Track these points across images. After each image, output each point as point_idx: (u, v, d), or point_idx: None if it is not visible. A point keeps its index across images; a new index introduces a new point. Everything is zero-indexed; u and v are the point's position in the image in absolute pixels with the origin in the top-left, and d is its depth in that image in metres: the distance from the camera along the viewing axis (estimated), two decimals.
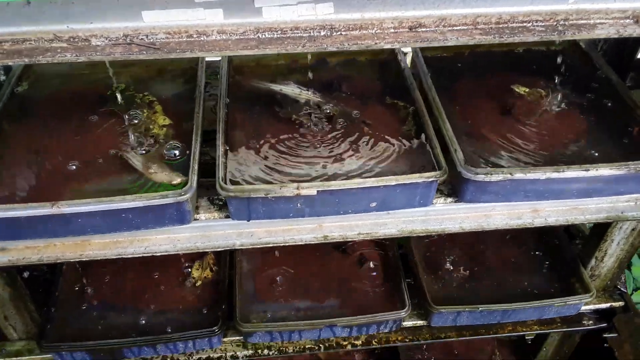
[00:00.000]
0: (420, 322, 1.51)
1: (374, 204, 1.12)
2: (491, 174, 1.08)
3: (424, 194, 1.12)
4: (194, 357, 1.48)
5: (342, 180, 1.07)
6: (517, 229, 1.27)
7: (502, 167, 1.13)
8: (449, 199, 1.18)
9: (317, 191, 1.05)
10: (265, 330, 1.38)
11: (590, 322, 1.58)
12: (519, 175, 1.09)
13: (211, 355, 1.49)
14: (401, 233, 1.25)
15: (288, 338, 1.43)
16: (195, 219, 1.14)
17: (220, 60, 1.47)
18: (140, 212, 1.05)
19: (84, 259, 1.19)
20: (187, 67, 1.43)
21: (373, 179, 1.06)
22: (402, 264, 1.54)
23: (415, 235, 1.26)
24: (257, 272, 1.54)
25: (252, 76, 1.42)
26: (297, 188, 1.05)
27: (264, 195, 1.05)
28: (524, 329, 1.56)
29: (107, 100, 1.32)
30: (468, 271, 1.55)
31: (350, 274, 1.55)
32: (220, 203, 1.16)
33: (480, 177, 1.08)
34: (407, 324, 1.51)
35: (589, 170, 1.09)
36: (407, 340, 1.54)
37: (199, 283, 1.50)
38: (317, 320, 1.38)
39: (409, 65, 1.46)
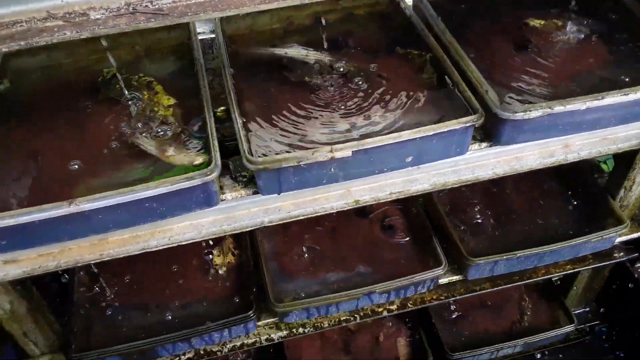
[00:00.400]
0: (455, 278, 1.47)
1: (409, 159, 1.06)
2: (530, 111, 1.02)
3: (460, 141, 1.06)
4: (227, 347, 1.42)
5: (376, 137, 1.00)
6: (543, 168, 1.23)
7: (536, 103, 1.07)
8: (484, 144, 1.13)
9: (353, 152, 0.98)
10: (302, 308, 1.32)
11: (621, 254, 1.57)
12: (558, 109, 1.03)
13: (245, 342, 1.43)
14: (434, 187, 1.20)
15: (325, 312, 1.37)
16: (223, 200, 1.06)
17: (209, 35, 1.39)
18: (164, 199, 0.97)
19: (106, 259, 1.11)
20: (177, 43, 1.33)
21: (409, 131, 1.00)
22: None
23: (448, 187, 1.21)
24: (280, 250, 1.47)
25: (250, 44, 1.33)
26: (331, 151, 0.97)
27: (295, 164, 0.98)
28: (557, 270, 1.54)
29: (99, 88, 1.22)
30: (495, 218, 1.51)
31: (377, 237, 1.49)
32: (245, 179, 1.08)
33: (519, 116, 1.02)
34: (443, 280, 1.46)
35: (628, 94, 1.04)
36: (443, 297, 1.50)
37: (223, 269, 1.43)
38: (354, 290, 1.32)
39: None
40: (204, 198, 1.00)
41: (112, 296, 1.38)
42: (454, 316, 1.80)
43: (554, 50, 1.22)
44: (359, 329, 1.80)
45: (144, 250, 1.12)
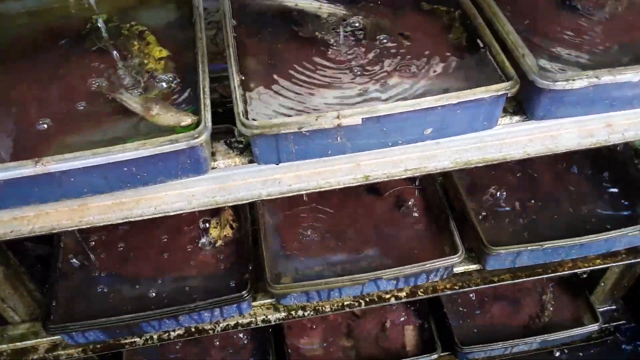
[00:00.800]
0: (472, 267, 1.34)
1: (429, 131, 0.92)
2: (574, 80, 0.87)
3: (489, 113, 0.92)
4: (220, 325, 1.31)
5: (391, 103, 0.87)
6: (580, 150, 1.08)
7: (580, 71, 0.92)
8: (515, 118, 0.98)
9: (363, 119, 0.85)
10: (300, 291, 1.21)
11: None
12: (606, 79, 0.88)
13: (240, 321, 1.32)
14: (455, 165, 1.06)
15: (327, 296, 1.25)
16: (213, 168, 0.94)
17: None
18: (145, 163, 0.85)
19: (84, 226, 1.00)
20: None
21: (430, 98, 0.86)
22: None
23: (471, 166, 1.07)
24: (283, 225, 1.36)
25: None
26: (338, 117, 0.84)
27: (297, 130, 0.85)
28: (586, 265, 1.39)
29: (86, 36, 1.09)
30: (521, 204, 1.37)
31: (388, 218, 1.36)
32: (241, 146, 0.95)
33: (559, 85, 0.87)
34: (458, 269, 1.34)
35: None
36: (457, 287, 1.37)
37: (219, 243, 1.31)
38: (359, 274, 1.20)
39: None
40: (192, 164, 0.88)
41: (99, 266, 1.28)
42: (467, 307, 1.68)
43: (606, 11, 1.05)
44: (364, 314, 1.69)
45: (127, 219, 1.01)
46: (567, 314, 1.69)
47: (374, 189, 1.41)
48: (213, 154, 0.94)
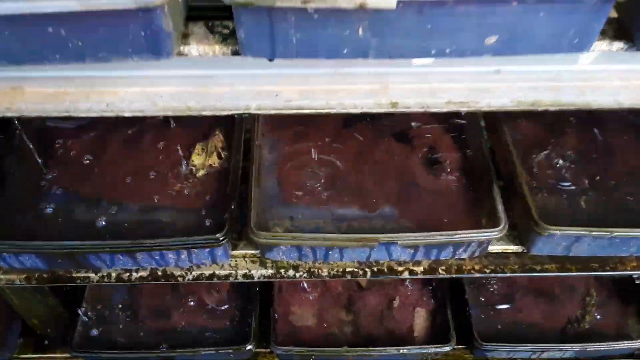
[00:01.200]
0: (511, 248, 1.06)
1: (492, 39, 0.63)
2: None
3: (584, 25, 0.62)
4: (193, 273, 1.08)
5: None
6: None
7: None
8: (617, 44, 0.68)
9: (399, 2, 0.57)
10: (290, 244, 0.96)
11: None
12: None
13: (217, 272, 1.08)
14: (517, 105, 0.78)
15: (324, 257, 1.00)
16: (182, 54, 0.67)
17: None
18: (77, 24, 0.59)
19: (12, 115, 0.76)
20: None
21: None
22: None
23: (539, 108, 0.78)
24: (284, 164, 1.10)
25: None
26: None
27: (300, 5, 0.57)
28: None
29: None
30: (588, 177, 1.07)
31: (416, 172, 1.09)
32: (226, 31, 0.69)
33: None
34: (493, 248, 1.06)
35: None
36: (487, 270, 1.10)
37: (201, 173, 1.07)
38: (368, 234, 0.94)
39: None
40: (146, 39, 0.62)
41: (53, 178, 1.05)
42: (492, 296, 1.41)
43: None
44: (370, 286, 1.43)
45: (69, 114, 0.76)
46: (611, 322, 1.40)
47: (402, 134, 1.13)
48: (186, 36, 0.68)
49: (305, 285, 1.44)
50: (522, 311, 1.39)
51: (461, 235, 0.93)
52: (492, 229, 0.94)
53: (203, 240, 0.93)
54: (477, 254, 1.02)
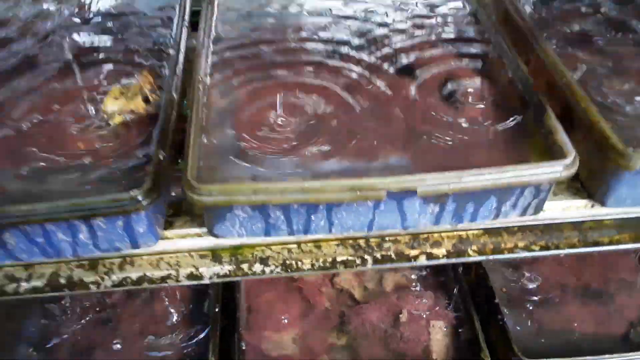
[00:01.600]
0: (574, 202, 0.74)
1: None
2: None
3: None
4: (112, 277, 0.71)
5: None
6: None
7: None
8: None
9: None
10: (252, 202, 0.60)
11: None
12: None
13: (149, 273, 0.72)
14: None
15: (304, 227, 0.65)
16: None
17: None
18: None
19: None
20: None
21: None
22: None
23: None
24: (246, 101, 0.77)
25: None
26: None
27: None
28: None
29: None
30: None
31: (425, 107, 0.77)
32: None
33: None
34: (551, 206, 0.73)
35: None
36: (535, 247, 0.77)
37: (117, 120, 0.73)
38: (371, 179, 0.61)
39: None
40: None
41: None
42: (532, 299, 1.07)
43: None
44: (366, 298, 1.09)
45: None
46: None
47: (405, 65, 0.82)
48: None
49: (282, 302, 1.08)
50: (571, 316, 1.06)
51: (518, 172, 0.60)
52: (558, 161, 0.61)
53: (110, 201, 0.58)
54: (530, 211, 0.69)
